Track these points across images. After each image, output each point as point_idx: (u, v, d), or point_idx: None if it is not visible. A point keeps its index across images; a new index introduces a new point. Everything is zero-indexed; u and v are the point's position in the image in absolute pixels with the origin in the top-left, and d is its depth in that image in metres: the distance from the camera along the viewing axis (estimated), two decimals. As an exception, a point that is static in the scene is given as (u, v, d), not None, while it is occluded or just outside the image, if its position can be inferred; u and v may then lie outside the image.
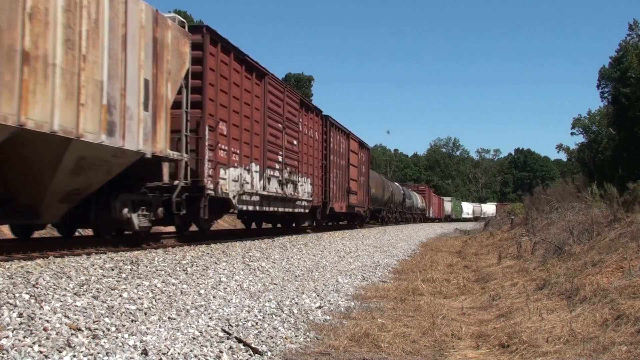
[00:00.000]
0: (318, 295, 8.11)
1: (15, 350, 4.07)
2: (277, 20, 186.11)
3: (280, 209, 17.02)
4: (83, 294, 5.59)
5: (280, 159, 16.72)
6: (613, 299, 6.47)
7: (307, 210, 19.74)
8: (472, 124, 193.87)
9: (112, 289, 5.98)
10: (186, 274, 7.65)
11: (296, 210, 18.54)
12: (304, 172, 19.32)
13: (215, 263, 8.92)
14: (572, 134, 58.04)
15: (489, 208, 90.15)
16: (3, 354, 3.99)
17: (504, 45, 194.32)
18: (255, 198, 14.75)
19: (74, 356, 4.22)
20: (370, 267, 12.36)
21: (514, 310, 7.06)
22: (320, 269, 10.72)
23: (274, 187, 16.16)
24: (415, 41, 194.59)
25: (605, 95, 48.31)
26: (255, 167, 14.73)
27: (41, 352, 4.14)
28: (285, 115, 17.20)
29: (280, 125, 16.75)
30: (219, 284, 7.48)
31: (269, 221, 20.76)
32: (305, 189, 19.26)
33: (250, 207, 14.69)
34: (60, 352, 4.22)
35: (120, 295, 5.83)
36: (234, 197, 13.33)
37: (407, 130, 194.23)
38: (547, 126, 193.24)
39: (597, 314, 6.16)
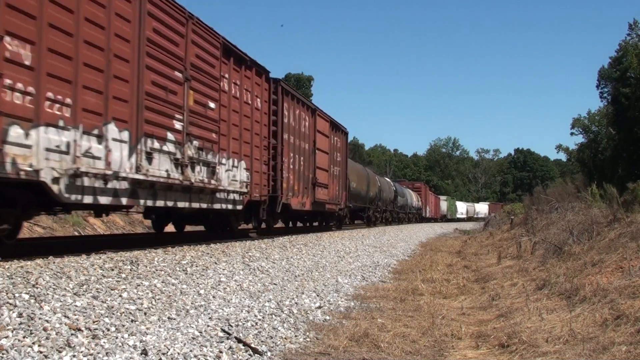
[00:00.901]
0: (318, 295, 8.11)
1: (15, 350, 4.07)
2: (277, 20, 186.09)
3: (183, 204, 10.99)
4: (83, 294, 5.59)
5: (178, 125, 10.59)
6: (613, 299, 6.47)
7: (239, 207, 13.44)
8: (472, 124, 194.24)
9: (111, 289, 5.98)
10: (186, 274, 7.65)
11: (216, 205, 12.31)
12: (233, 152, 13.12)
13: (215, 263, 8.92)
14: (571, 134, 58.09)
15: (482, 208, 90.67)
16: (3, 354, 3.99)
17: (503, 45, 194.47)
18: (119, 184, 9.02)
19: (74, 356, 4.22)
20: (370, 267, 12.36)
21: (514, 310, 7.06)
22: (320, 269, 10.73)
23: (162, 169, 10.09)
24: (415, 41, 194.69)
25: (605, 95, 48.40)
26: (116, 133, 8.96)
27: (41, 352, 4.14)
28: (190, 61, 11.00)
29: (179, 75, 10.65)
30: (219, 284, 7.48)
31: (197, 221, 14.94)
32: (234, 175, 13.11)
33: (105, 200, 8.75)
34: (60, 352, 4.22)
35: (120, 295, 5.83)
36: (54, 180, 7.69)
37: (407, 130, 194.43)
38: (546, 126, 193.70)
39: (597, 314, 6.16)
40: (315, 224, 24.05)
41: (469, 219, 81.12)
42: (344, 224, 27.65)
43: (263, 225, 16.65)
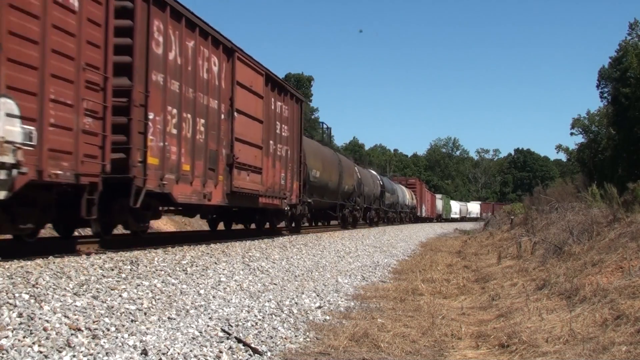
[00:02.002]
0: (318, 295, 8.12)
1: (15, 350, 4.07)
2: (277, 20, 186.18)
3: None
4: (83, 294, 5.59)
5: None
6: (613, 299, 6.47)
7: None
8: (472, 124, 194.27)
9: (111, 289, 5.98)
10: (186, 274, 7.65)
11: None
12: None
13: (215, 263, 8.92)
14: (571, 134, 58.20)
15: (474, 207, 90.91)
16: (3, 354, 3.99)
17: (503, 45, 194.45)
18: None
19: (74, 356, 4.22)
20: (370, 267, 12.36)
21: (514, 310, 7.07)
22: (320, 269, 10.73)
23: None
24: (415, 41, 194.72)
25: (605, 95, 48.52)
26: None
27: (41, 352, 4.14)
28: None
29: None
30: (219, 284, 7.48)
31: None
32: None
33: None
34: (60, 352, 4.22)
35: (120, 295, 5.83)
36: None
37: (407, 130, 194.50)
38: (546, 126, 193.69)
39: (597, 314, 6.16)
40: (263, 225, 17.47)
41: (462, 218, 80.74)
42: (304, 226, 21.61)
43: (139, 229, 10.62)
